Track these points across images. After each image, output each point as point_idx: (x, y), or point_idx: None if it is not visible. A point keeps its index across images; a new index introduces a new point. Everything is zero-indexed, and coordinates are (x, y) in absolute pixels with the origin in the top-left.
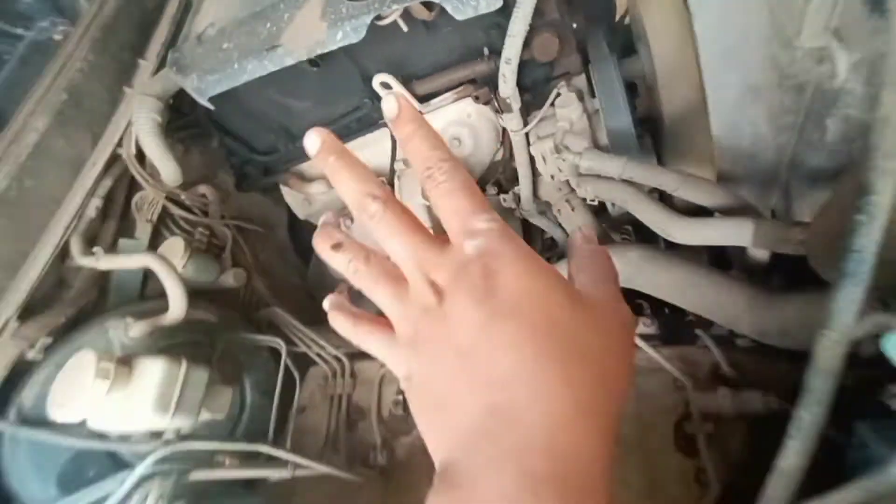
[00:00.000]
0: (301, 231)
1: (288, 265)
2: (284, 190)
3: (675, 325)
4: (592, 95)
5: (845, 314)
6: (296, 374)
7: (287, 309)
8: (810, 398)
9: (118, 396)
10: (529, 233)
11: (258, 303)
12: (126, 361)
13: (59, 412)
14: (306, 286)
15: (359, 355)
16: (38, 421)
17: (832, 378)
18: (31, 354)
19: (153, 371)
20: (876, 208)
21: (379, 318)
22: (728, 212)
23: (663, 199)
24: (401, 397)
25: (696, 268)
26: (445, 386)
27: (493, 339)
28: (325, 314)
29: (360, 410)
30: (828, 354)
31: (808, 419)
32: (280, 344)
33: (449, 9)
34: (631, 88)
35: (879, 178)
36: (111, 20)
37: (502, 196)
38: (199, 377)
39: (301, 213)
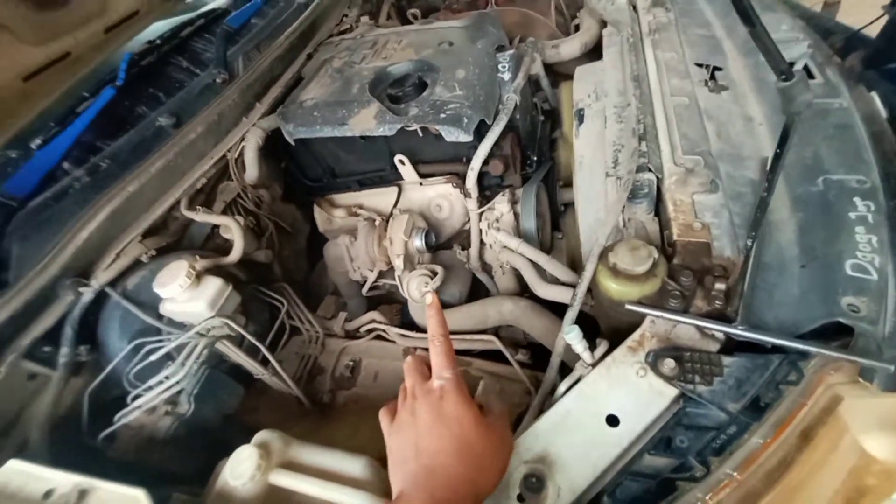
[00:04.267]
0: (316, 244)
1: (299, 265)
2: (316, 208)
3: (538, 356)
4: None
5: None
6: (287, 330)
7: None
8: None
9: (188, 294)
10: (476, 283)
11: (273, 280)
12: (199, 276)
13: (159, 288)
14: (306, 285)
15: (330, 334)
16: (132, 299)
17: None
18: (143, 258)
19: (214, 283)
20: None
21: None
22: (568, 283)
23: None
24: (351, 364)
25: (553, 321)
26: (407, 449)
27: (433, 433)
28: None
29: (321, 369)
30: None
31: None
32: (282, 302)
33: (443, 133)
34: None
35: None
36: (252, 79)
37: (458, 251)
38: (235, 298)
39: (321, 228)
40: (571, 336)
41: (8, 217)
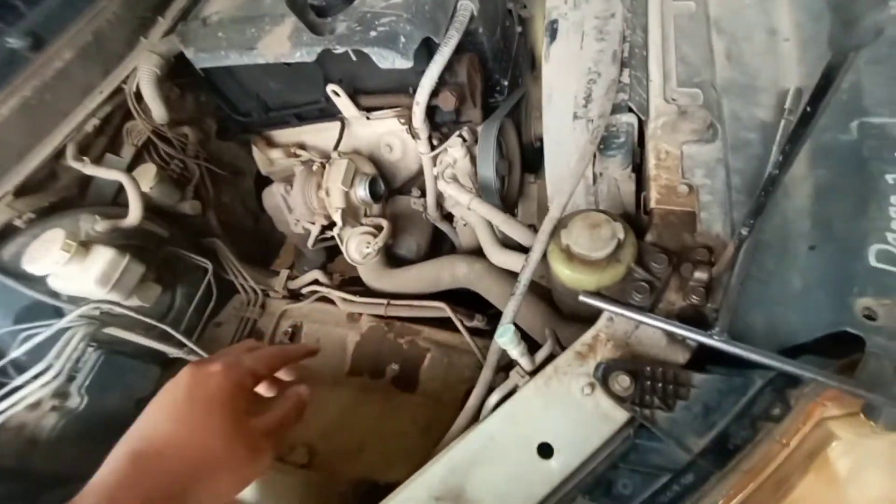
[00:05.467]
0: (267, 183)
1: (247, 209)
2: (253, 149)
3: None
4: None
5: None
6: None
7: (234, 245)
8: None
9: (73, 268)
10: (437, 234)
11: (208, 232)
12: (86, 245)
13: (28, 265)
14: (257, 232)
15: (270, 293)
16: (11, 272)
17: None
18: (18, 223)
19: (103, 255)
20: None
21: None
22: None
23: None
24: (290, 330)
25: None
26: None
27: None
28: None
29: (260, 333)
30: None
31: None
32: (208, 265)
33: (374, 58)
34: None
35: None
36: None
37: (414, 199)
38: (136, 270)
39: (263, 170)
40: (505, 340)
41: None
